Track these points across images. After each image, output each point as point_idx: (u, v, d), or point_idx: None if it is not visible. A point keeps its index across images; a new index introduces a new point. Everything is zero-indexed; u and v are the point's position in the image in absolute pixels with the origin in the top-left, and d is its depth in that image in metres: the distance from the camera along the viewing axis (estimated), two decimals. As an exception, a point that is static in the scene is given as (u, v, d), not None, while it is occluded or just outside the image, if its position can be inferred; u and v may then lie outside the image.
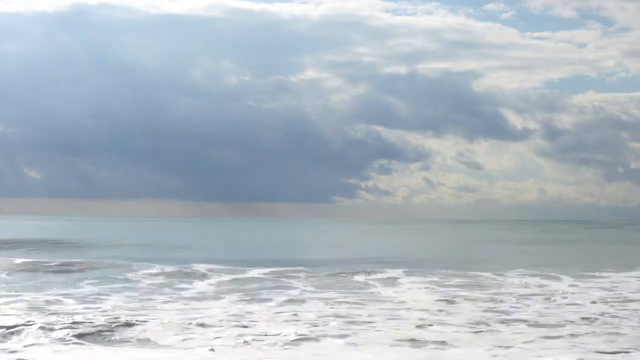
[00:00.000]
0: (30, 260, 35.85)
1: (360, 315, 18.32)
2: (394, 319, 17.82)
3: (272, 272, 30.38)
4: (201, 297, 22.39)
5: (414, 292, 23.76)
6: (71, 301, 20.80)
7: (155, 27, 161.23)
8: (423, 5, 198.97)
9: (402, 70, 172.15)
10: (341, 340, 14.93)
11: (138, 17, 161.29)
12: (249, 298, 22.00)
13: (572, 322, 17.56)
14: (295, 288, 24.92)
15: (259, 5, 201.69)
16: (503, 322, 17.51)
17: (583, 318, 18.12)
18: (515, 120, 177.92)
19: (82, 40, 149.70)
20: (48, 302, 20.29)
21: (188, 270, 30.76)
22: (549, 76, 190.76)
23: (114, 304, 20.11)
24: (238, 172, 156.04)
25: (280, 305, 20.29)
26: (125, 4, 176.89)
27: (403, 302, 21.15)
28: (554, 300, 21.68)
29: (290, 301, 21.22)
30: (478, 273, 30.64)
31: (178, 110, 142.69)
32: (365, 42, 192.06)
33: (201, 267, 31.80)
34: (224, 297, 22.15)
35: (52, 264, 33.41)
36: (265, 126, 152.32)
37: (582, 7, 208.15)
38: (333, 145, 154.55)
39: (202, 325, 16.42)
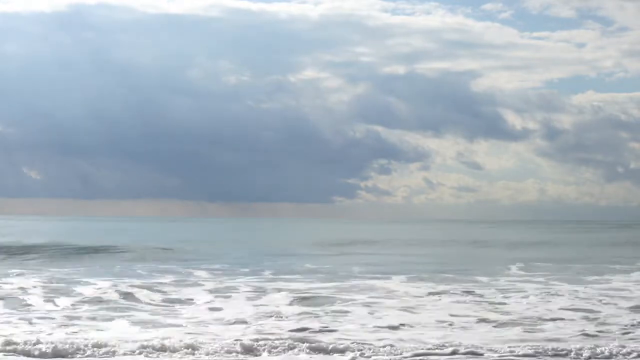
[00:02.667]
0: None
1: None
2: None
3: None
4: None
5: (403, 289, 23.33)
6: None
7: (154, 27, 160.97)
8: (421, 5, 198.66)
9: (401, 70, 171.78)
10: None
11: (136, 17, 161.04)
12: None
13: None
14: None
15: (257, 5, 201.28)
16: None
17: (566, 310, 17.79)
18: (514, 120, 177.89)
19: (80, 40, 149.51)
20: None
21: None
22: (548, 76, 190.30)
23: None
24: (238, 172, 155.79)
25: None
26: (123, 4, 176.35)
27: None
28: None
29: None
30: (476, 276, 30.21)
31: (177, 110, 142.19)
32: (364, 42, 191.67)
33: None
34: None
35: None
36: (264, 126, 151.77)
37: (580, 7, 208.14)
38: (332, 145, 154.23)
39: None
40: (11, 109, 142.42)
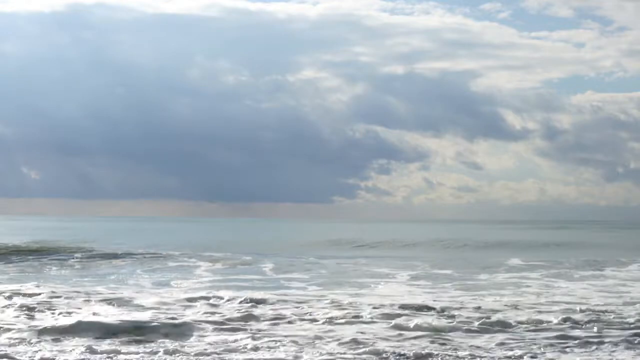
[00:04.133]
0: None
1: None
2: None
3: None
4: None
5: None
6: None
7: (152, 26, 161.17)
8: (420, 4, 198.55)
9: (400, 70, 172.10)
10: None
11: (135, 16, 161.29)
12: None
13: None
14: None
15: (255, 5, 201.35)
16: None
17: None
18: (514, 120, 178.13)
19: (79, 40, 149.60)
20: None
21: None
22: (547, 76, 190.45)
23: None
24: (237, 172, 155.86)
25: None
26: (121, 4, 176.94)
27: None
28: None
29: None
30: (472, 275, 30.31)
31: (175, 110, 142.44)
32: (363, 42, 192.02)
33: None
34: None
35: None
36: (263, 126, 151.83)
37: (579, 7, 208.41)
38: (332, 145, 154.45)
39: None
40: (10, 109, 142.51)
